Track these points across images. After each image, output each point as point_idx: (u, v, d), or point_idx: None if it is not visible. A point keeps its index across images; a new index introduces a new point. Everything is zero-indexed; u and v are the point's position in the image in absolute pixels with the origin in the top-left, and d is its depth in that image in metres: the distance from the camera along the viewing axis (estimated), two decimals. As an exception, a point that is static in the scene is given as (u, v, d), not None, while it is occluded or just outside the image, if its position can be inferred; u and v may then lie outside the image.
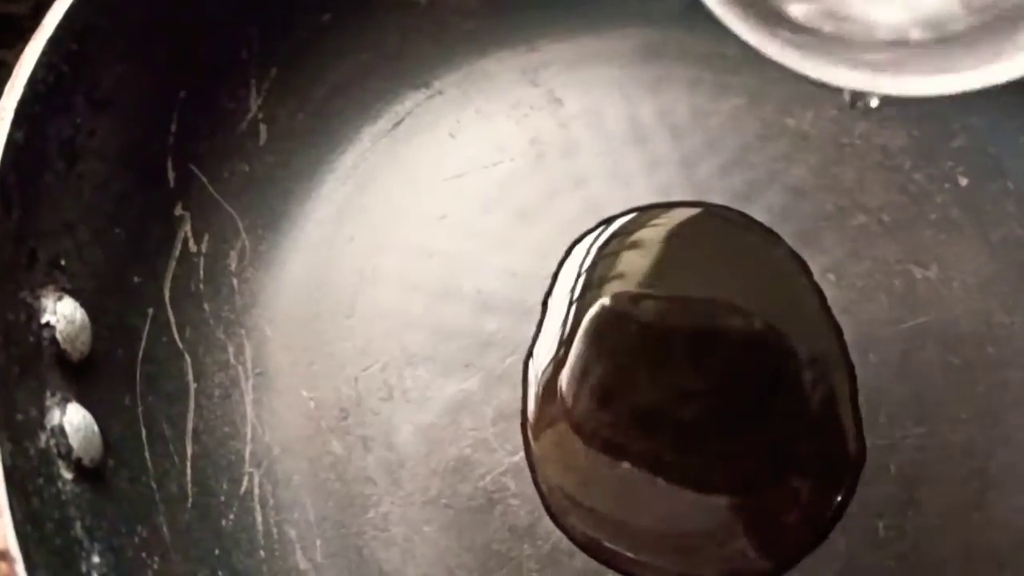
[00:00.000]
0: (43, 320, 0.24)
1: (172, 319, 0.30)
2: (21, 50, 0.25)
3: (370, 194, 0.35)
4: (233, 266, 0.32)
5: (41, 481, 0.22)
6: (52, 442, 0.23)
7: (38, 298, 0.24)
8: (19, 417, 0.22)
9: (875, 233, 0.35)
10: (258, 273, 0.33)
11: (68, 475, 0.23)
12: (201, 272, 0.32)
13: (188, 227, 0.32)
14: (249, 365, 0.31)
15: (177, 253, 0.31)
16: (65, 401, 0.24)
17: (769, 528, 0.30)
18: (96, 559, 0.22)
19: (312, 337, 0.32)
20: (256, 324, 0.32)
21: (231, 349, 0.31)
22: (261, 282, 0.33)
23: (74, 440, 0.23)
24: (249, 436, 0.30)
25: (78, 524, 0.22)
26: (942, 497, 0.30)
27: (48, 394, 0.24)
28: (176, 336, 0.30)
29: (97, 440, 0.24)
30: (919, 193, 0.36)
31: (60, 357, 0.24)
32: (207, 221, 0.32)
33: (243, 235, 0.33)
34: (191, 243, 0.32)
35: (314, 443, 0.30)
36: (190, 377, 0.30)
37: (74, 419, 0.24)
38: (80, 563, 0.22)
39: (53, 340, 0.24)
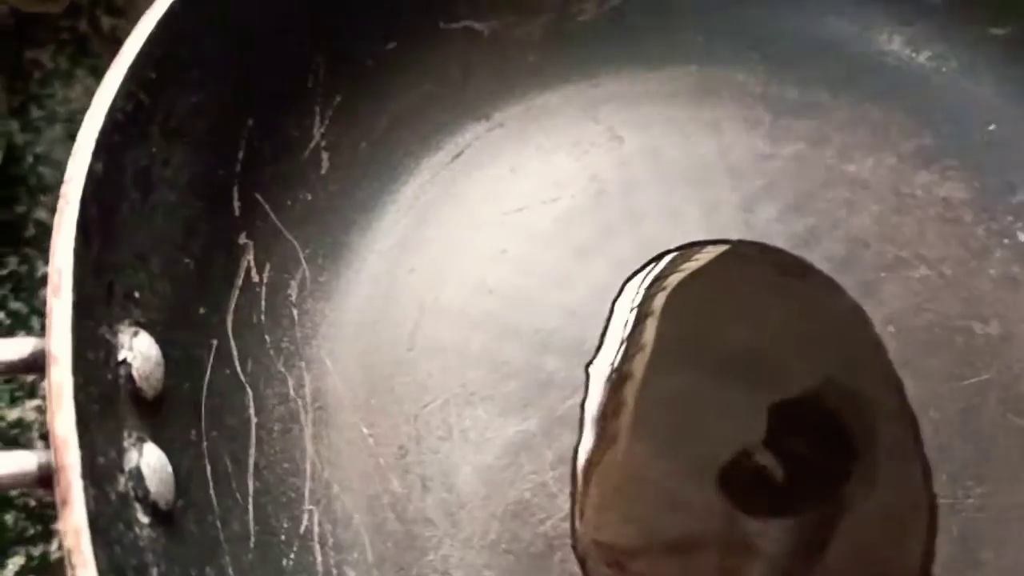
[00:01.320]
0: (120, 357, 0.24)
1: (235, 351, 0.30)
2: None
3: (430, 226, 0.35)
4: (294, 296, 0.32)
5: (121, 527, 0.22)
6: (131, 485, 0.23)
7: (116, 334, 0.24)
8: (100, 460, 0.22)
9: (936, 286, 0.35)
10: (318, 304, 0.33)
11: (145, 519, 0.23)
12: (263, 302, 0.31)
13: (251, 256, 0.31)
14: (308, 399, 0.31)
15: (240, 283, 0.31)
16: (141, 441, 0.24)
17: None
18: (171, 607, 0.22)
19: (371, 371, 0.32)
20: (316, 356, 0.32)
21: (291, 382, 0.31)
22: (321, 313, 0.33)
23: (151, 482, 0.23)
24: (309, 472, 0.29)
25: (155, 571, 0.22)
26: (1005, 559, 0.30)
27: (125, 435, 0.23)
28: (238, 368, 0.29)
29: (171, 481, 0.24)
30: (979, 248, 0.36)
31: (136, 395, 0.24)
32: (269, 251, 0.32)
33: (304, 265, 0.33)
34: (254, 273, 0.31)
35: (373, 481, 0.30)
36: (251, 411, 0.29)
37: (151, 460, 0.23)
38: (157, 612, 0.21)
39: (130, 377, 0.24)
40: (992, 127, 0.38)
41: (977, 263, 0.35)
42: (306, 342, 0.32)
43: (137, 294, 0.26)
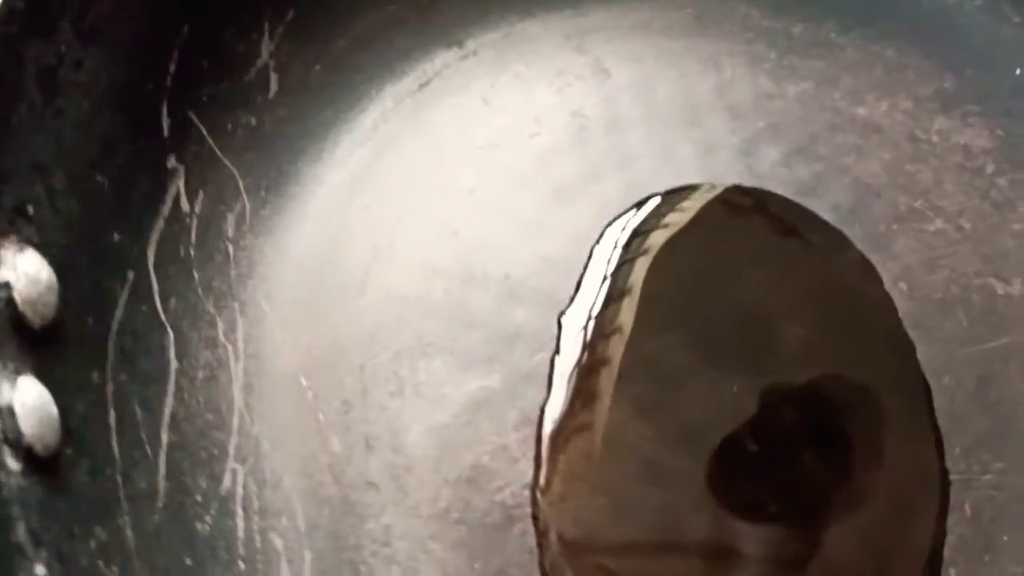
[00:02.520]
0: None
1: (155, 286, 0.26)
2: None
3: (389, 160, 0.31)
4: (230, 231, 0.29)
5: (-21, 472, 0.18)
6: (-2, 426, 0.19)
7: (-5, 249, 0.20)
8: (-42, 392, 0.18)
9: (953, 240, 0.31)
10: (258, 241, 0.29)
11: (15, 465, 0.19)
12: (193, 235, 0.28)
13: (181, 183, 0.28)
14: (241, 345, 0.27)
15: (167, 211, 0.27)
16: (17, 375, 0.20)
17: (833, 566, 0.26)
18: (40, 569, 0.18)
19: (314, 317, 0.28)
20: (252, 299, 0.28)
21: (221, 325, 0.27)
22: (261, 251, 0.29)
23: (25, 423, 0.19)
24: (235, 426, 0.26)
25: (21, 527, 0.19)
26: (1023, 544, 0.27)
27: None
28: (159, 306, 0.26)
29: (55, 423, 0.20)
30: (1002, 200, 0.32)
31: (17, 322, 0.20)
32: (204, 178, 0.28)
33: (244, 196, 0.29)
34: (184, 202, 0.28)
35: (310, 439, 0.26)
36: (172, 354, 0.26)
37: (27, 398, 0.20)
38: (19, 573, 0.18)
39: (10, 301, 0.20)
40: (1019, 71, 0.34)
41: (999, 217, 0.31)
42: (241, 282, 0.28)
43: (30, 209, 0.22)
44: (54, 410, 0.20)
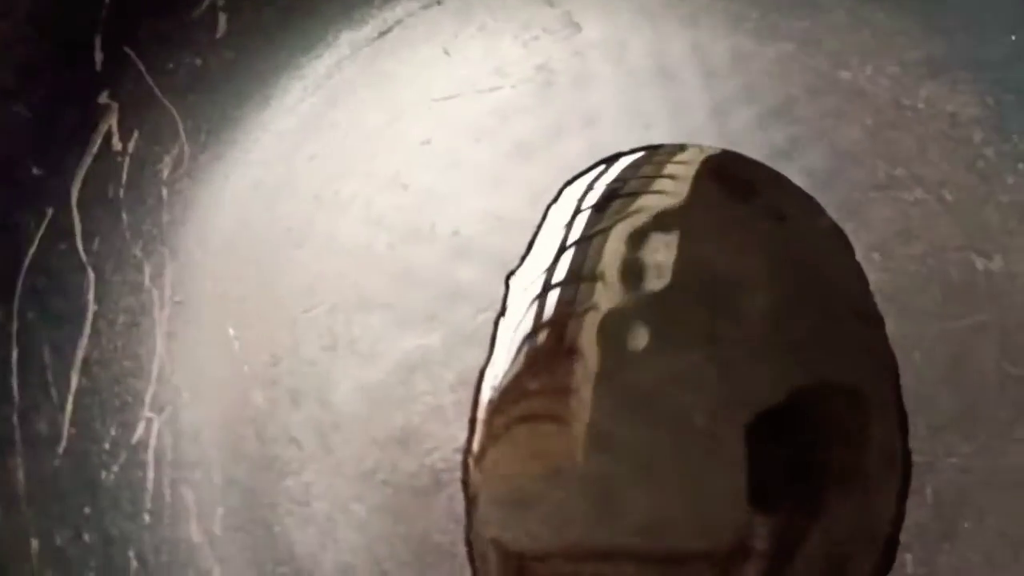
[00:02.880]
0: None
1: (77, 225, 0.25)
2: None
3: (342, 109, 0.30)
4: (165, 174, 0.27)
5: None
6: None
7: None
8: None
9: (933, 211, 0.29)
10: (195, 185, 0.28)
11: None
12: (124, 175, 0.26)
13: (114, 120, 0.26)
14: (168, 291, 0.26)
15: (95, 149, 0.26)
16: None
17: (783, 551, 0.24)
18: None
19: (249, 267, 0.27)
20: (183, 244, 0.27)
21: (148, 270, 0.26)
22: (197, 196, 0.28)
23: None
24: (155, 375, 0.25)
25: None
26: (987, 531, 0.25)
27: None
28: (80, 245, 0.25)
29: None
30: (989, 171, 0.30)
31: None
32: (139, 117, 0.27)
33: (183, 139, 0.28)
34: (115, 140, 0.26)
35: (232, 391, 0.25)
36: (90, 296, 0.24)
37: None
38: None
39: None
40: (1014, 37, 0.32)
41: (984, 188, 0.30)
42: (173, 227, 0.27)
43: (-68, 129, 0.21)
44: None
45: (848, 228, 0.29)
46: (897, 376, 0.27)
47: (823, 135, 0.30)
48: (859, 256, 0.28)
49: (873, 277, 0.28)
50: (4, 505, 0.20)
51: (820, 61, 0.32)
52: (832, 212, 0.29)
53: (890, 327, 0.27)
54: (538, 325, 0.27)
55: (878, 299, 0.28)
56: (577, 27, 0.32)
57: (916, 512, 0.25)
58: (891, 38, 0.32)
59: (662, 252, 0.29)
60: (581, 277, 0.28)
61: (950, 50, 0.32)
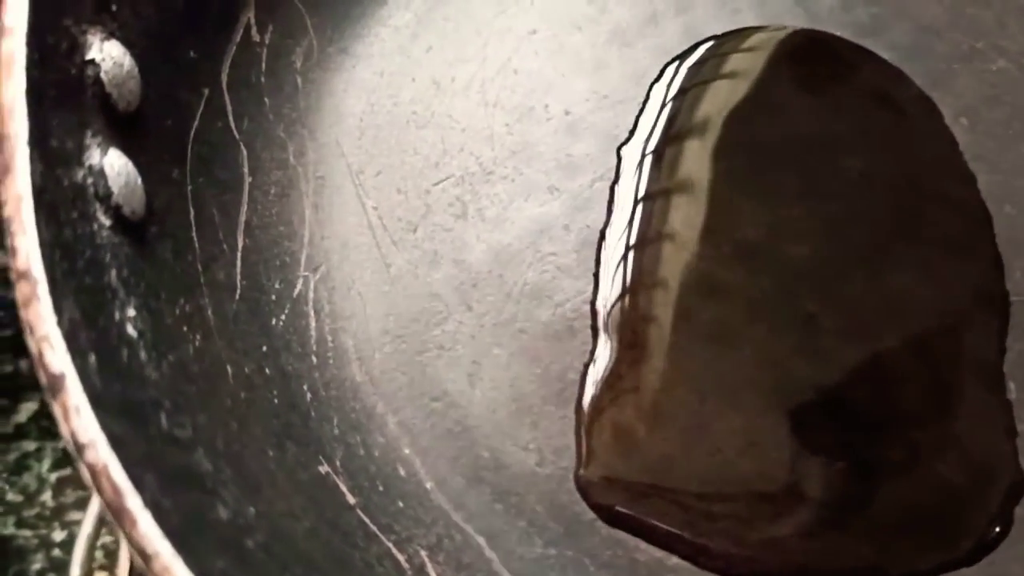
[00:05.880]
0: (88, 56, 0.21)
1: (229, 106, 0.27)
2: None
3: (452, 4, 0.32)
4: (298, 64, 0.29)
5: (75, 215, 0.19)
6: (90, 181, 0.20)
7: (84, 33, 0.21)
8: (53, 143, 0.19)
9: (1015, 79, 0.31)
10: (326, 75, 0.30)
11: (106, 220, 0.20)
12: (263, 64, 0.28)
13: (252, 14, 0.28)
14: (310, 168, 0.28)
15: (238, 39, 0.28)
16: (107, 144, 0.21)
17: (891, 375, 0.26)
18: (131, 312, 0.19)
19: (380, 144, 0.29)
20: (320, 126, 0.29)
21: (291, 148, 0.28)
22: (329, 84, 0.30)
23: (115, 184, 0.20)
24: (306, 239, 0.27)
25: (113, 272, 0.20)
26: (1085, 362, 0.27)
27: (89, 133, 0.21)
28: (232, 124, 0.27)
29: (140, 192, 0.21)
30: (1068, 42, 0.32)
31: (105, 101, 0.21)
32: (272, 12, 0.29)
33: (311, 33, 0.30)
34: (254, 32, 0.28)
35: (376, 254, 0.27)
36: (245, 169, 0.27)
37: (116, 163, 0.21)
38: (113, 310, 0.19)
39: (98, 80, 0.21)
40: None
41: (1064, 58, 0.31)
42: (310, 112, 0.29)
43: (114, 6, 0.23)
44: (139, 181, 0.21)
45: (935, 97, 0.30)
46: (991, 226, 0.28)
47: (905, 12, 0.32)
48: (948, 121, 0.30)
49: (962, 139, 0.30)
50: (202, 334, 0.22)
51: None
52: (919, 82, 0.31)
53: (981, 183, 0.29)
54: (643, 185, 0.29)
55: (968, 159, 0.30)
56: (667, -78, 0.34)
57: (1017, 345, 0.27)
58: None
59: (759, 120, 0.30)
60: (681, 141, 0.30)
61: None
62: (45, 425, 0.33)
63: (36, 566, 0.32)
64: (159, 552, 0.15)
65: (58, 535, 0.32)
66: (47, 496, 0.33)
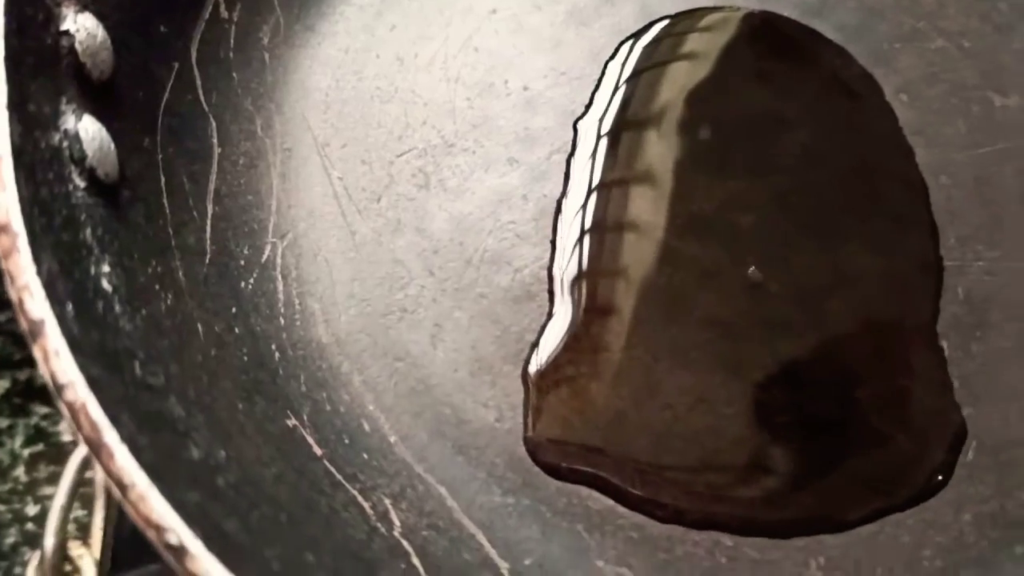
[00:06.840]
0: (63, 27, 0.22)
1: (198, 80, 0.28)
2: None
3: (414, -16, 0.33)
4: (265, 40, 0.30)
5: (52, 175, 0.20)
6: (65, 144, 0.21)
7: (58, 4, 0.22)
8: (31, 107, 0.20)
9: (954, 57, 0.32)
10: (292, 51, 0.31)
11: (81, 182, 0.21)
12: (232, 40, 0.29)
13: (219, -9, 0.29)
14: (278, 140, 0.29)
15: (207, 15, 0.29)
16: (81, 110, 0.22)
17: (834, 340, 0.28)
18: (106, 268, 0.20)
19: (344, 118, 0.30)
20: (287, 101, 0.30)
21: (259, 121, 0.29)
22: (296, 60, 0.31)
23: (89, 148, 0.21)
24: (274, 208, 0.28)
25: (88, 230, 0.21)
26: (1014, 322, 0.28)
27: (64, 100, 0.22)
28: (201, 97, 0.28)
29: (113, 156, 0.22)
30: (1003, 23, 0.33)
31: (79, 71, 0.22)
32: (240, -11, 0.30)
33: (278, 11, 0.31)
34: (223, 9, 0.29)
35: (342, 221, 0.28)
36: (214, 140, 0.28)
37: (90, 128, 0.22)
38: (89, 265, 0.20)
39: (72, 50, 0.22)
40: None
41: (999, 37, 0.33)
42: (276, 86, 0.30)
43: (86, -21, 0.24)
44: (112, 146, 0.22)
45: (877, 74, 0.32)
46: (927, 196, 0.30)
47: (851, -6, 0.33)
48: (888, 97, 0.32)
49: (901, 114, 0.31)
50: (174, 294, 0.23)
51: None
52: (862, 61, 0.32)
53: (919, 156, 0.31)
54: (598, 156, 0.30)
55: (907, 133, 0.31)
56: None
57: (949, 308, 0.29)
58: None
59: (709, 97, 0.32)
60: (635, 117, 0.31)
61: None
62: (17, 403, 0.34)
63: (10, 540, 0.33)
64: (135, 483, 0.16)
65: (31, 509, 0.33)
66: (20, 471, 0.33)
